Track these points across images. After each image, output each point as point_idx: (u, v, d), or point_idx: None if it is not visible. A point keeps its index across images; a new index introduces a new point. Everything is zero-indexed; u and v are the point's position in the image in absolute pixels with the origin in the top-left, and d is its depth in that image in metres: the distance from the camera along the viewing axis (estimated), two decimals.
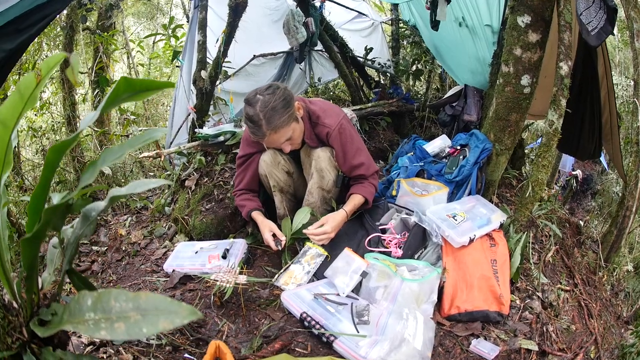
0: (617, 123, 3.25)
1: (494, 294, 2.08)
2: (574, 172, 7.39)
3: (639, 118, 2.83)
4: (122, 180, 4.42)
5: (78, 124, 6.04)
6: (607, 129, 3.30)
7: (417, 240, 2.40)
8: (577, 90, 2.84)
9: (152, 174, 4.42)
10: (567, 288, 2.43)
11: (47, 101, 6.26)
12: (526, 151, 5.14)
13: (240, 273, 2.14)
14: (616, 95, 3.59)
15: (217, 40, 3.73)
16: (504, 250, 2.33)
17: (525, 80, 2.63)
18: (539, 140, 7.23)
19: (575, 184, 7.22)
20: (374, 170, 2.55)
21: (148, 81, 1.03)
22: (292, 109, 2.24)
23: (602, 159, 7.50)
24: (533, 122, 7.57)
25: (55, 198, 1.33)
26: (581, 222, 3.61)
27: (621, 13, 2.74)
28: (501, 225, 2.53)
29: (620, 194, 3.05)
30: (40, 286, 1.26)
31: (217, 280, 2.06)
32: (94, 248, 2.87)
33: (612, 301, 2.75)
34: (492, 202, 2.83)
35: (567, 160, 7.69)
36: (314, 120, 2.44)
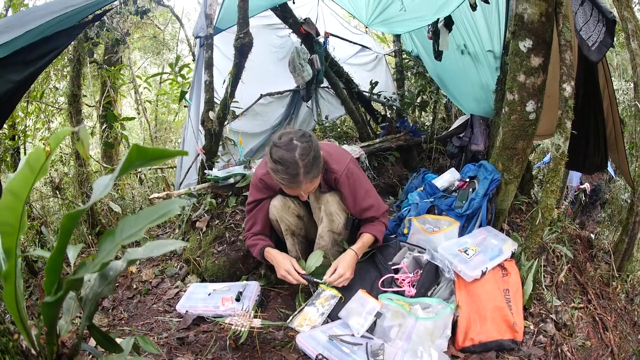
0: (621, 131, 3.24)
1: (507, 322, 2.09)
2: (582, 186, 7.31)
3: None
4: None
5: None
6: (612, 138, 3.30)
7: (430, 278, 2.40)
8: (580, 106, 2.82)
9: None
10: (581, 306, 2.43)
11: (55, 132, 6.28)
12: (533, 172, 5.12)
13: (255, 316, 2.14)
14: (617, 100, 3.57)
15: (224, 81, 3.75)
16: (516, 278, 2.32)
17: (530, 106, 2.61)
18: (545, 159, 7.21)
19: (584, 198, 7.15)
20: (384, 210, 2.55)
21: (160, 150, 1.06)
22: (322, 159, 2.22)
23: (608, 167, 7.40)
24: (540, 144, 7.53)
25: (70, 252, 1.36)
26: (592, 235, 3.58)
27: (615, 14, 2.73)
28: (513, 254, 2.52)
29: (629, 201, 3.03)
30: (58, 333, 1.28)
31: (231, 324, 2.06)
32: None
33: (627, 308, 2.75)
34: (503, 231, 2.84)
35: (574, 175, 7.63)
36: None
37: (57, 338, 1.25)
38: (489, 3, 3.54)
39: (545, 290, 2.44)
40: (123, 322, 2.46)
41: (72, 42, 5.07)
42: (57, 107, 6.49)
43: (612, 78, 3.16)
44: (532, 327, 2.19)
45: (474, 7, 3.56)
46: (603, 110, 3.12)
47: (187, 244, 1.05)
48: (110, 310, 2.60)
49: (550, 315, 2.27)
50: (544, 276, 2.53)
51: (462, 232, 2.70)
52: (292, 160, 2.07)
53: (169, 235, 3.54)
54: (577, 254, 2.95)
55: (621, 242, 2.99)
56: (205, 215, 3.15)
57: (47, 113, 6.37)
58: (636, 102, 2.83)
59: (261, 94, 5.21)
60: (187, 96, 4.10)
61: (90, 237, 3.78)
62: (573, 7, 2.51)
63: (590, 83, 2.90)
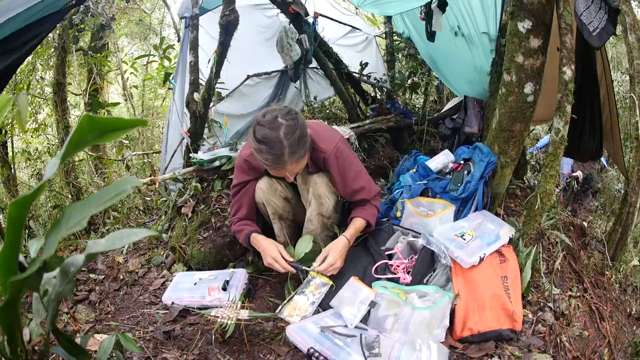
0: (617, 121, 3.22)
1: (506, 311, 2.02)
2: (574, 174, 7.32)
3: (637, 113, 2.80)
4: (119, 205, 4.32)
5: None
6: (607, 127, 3.27)
7: (425, 264, 2.31)
8: (577, 92, 2.80)
9: (148, 198, 4.34)
10: (578, 294, 2.40)
11: (43, 123, 6.20)
12: (527, 157, 5.09)
13: (242, 307, 2.04)
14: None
15: (209, 60, 3.66)
16: (515, 265, 2.25)
17: (528, 88, 2.56)
18: (538, 145, 7.19)
19: (576, 185, 7.16)
20: (375, 192, 2.45)
21: (115, 120, 0.89)
22: (309, 138, 2.11)
23: (602, 158, 7.45)
24: (533, 129, 7.51)
25: (32, 247, 1.22)
26: (585, 223, 3.58)
27: None
28: (510, 240, 2.44)
29: (622, 192, 3.03)
30: (28, 337, 1.17)
31: (217, 317, 1.96)
32: (92, 276, 2.78)
33: (621, 299, 2.73)
34: (499, 216, 2.77)
35: (564, 162, 7.63)
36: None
37: (26, 343, 1.13)
38: None
39: (543, 277, 2.40)
40: (110, 316, 2.38)
41: (57, 29, 4.96)
42: (44, 97, 6.36)
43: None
44: (530, 315, 2.15)
45: None
46: (600, 98, 3.10)
47: (155, 233, 0.93)
48: (97, 304, 2.52)
49: (549, 304, 2.23)
50: (541, 263, 2.48)
51: (457, 216, 2.62)
52: (276, 140, 1.95)
53: (155, 223, 3.47)
54: (571, 240, 2.92)
55: (614, 232, 3.01)
56: (191, 200, 3.08)
57: (34, 104, 6.25)
58: (631, 94, 2.81)
59: (248, 75, 5.13)
60: (171, 78, 4.00)
61: None
62: None
63: (588, 70, 2.87)
